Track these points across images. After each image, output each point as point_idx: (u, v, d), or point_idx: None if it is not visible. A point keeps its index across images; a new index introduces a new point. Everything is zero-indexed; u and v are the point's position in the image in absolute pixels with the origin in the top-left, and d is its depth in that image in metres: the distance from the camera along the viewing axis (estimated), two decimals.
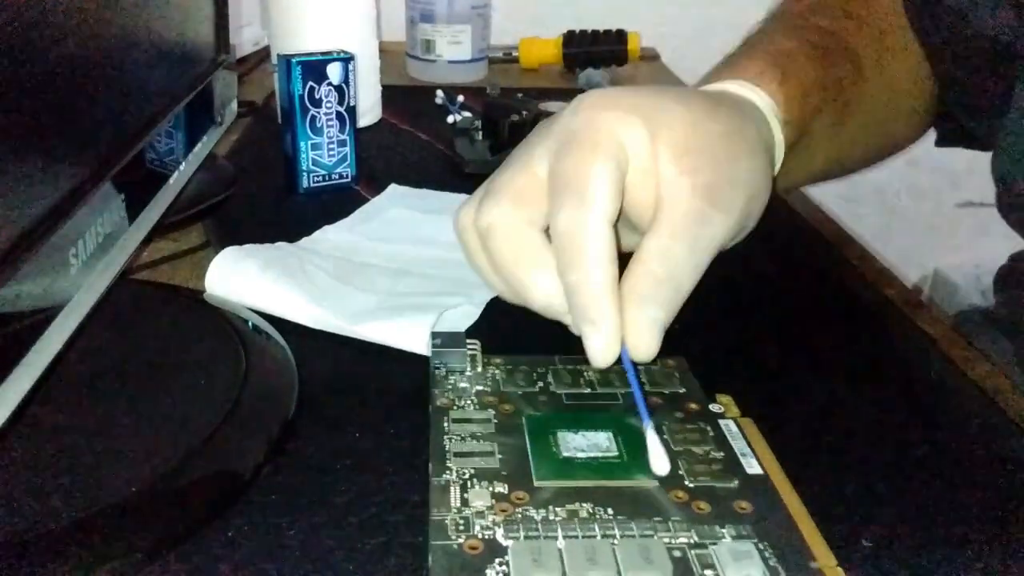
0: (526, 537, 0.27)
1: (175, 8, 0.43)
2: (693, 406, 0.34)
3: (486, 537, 0.27)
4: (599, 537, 0.28)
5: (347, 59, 0.57)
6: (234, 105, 0.55)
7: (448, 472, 0.30)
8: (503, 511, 0.29)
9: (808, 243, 0.56)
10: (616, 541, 0.27)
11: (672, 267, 0.32)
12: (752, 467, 0.31)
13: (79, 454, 0.31)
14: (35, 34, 0.27)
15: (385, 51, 0.77)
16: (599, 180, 0.32)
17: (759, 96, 0.43)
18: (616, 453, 0.31)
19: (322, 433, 0.34)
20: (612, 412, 0.33)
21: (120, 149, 0.35)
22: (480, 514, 0.28)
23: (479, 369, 0.36)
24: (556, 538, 0.27)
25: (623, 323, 0.32)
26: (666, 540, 0.27)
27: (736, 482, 0.30)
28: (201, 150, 0.47)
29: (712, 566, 0.27)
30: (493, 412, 0.34)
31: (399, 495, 0.31)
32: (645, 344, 0.32)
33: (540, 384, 0.36)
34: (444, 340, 0.37)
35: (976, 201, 1.21)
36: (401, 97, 0.81)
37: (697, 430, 0.33)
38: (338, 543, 0.29)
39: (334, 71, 0.56)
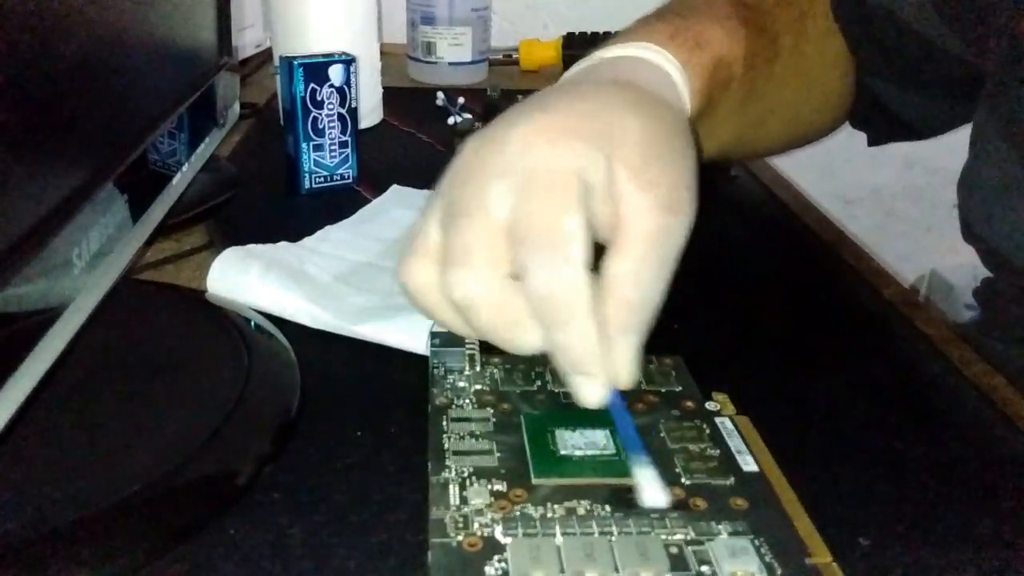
0: (525, 534, 0.28)
1: (178, 10, 0.44)
2: (689, 404, 0.35)
3: (485, 535, 0.28)
4: (596, 534, 0.28)
5: (349, 61, 0.57)
6: (236, 107, 0.56)
7: (447, 470, 0.30)
8: (502, 508, 0.29)
9: (805, 244, 0.56)
10: (613, 538, 0.28)
11: (645, 290, 0.32)
12: (748, 464, 0.31)
13: (82, 453, 0.32)
14: (39, 36, 0.28)
15: (386, 53, 0.77)
16: (574, 232, 0.30)
17: (671, 63, 0.41)
18: (613, 451, 0.32)
19: (323, 432, 0.35)
20: (609, 410, 0.33)
21: (123, 150, 0.35)
22: (479, 512, 0.29)
23: (478, 368, 0.37)
24: (554, 535, 0.28)
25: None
26: (663, 537, 0.28)
27: (732, 479, 0.30)
28: (204, 151, 0.47)
29: (708, 562, 0.27)
30: (491, 411, 0.34)
31: (399, 494, 0.32)
32: (629, 372, 0.32)
33: (538, 383, 0.36)
34: (443, 339, 0.37)
35: None
36: (402, 99, 0.81)
37: (693, 428, 0.33)
38: (339, 542, 0.29)
39: (336, 73, 0.57)
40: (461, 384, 0.36)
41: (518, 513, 0.29)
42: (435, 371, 0.36)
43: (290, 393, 0.36)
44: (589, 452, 0.31)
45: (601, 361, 0.31)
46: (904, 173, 1.23)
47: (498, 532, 0.28)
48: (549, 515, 0.29)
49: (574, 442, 0.32)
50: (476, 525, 0.28)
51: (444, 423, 0.33)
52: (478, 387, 0.35)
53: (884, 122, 0.58)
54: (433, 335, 0.38)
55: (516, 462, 0.31)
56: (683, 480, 0.30)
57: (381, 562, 0.29)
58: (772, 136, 0.55)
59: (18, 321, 0.26)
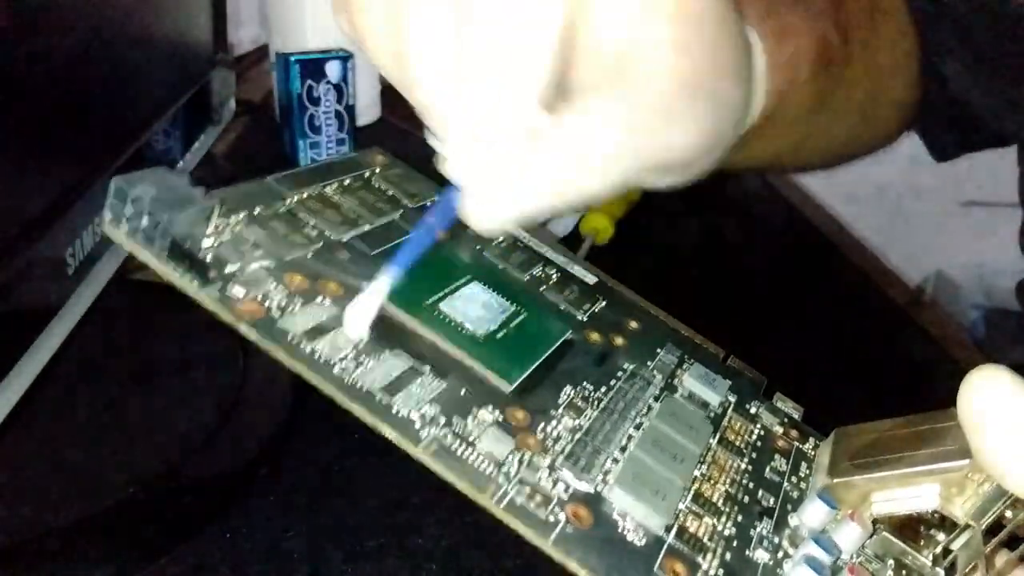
0: (600, 468, 0.20)
1: (173, 7, 0.43)
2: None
3: (567, 493, 0.19)
4: (629, 421, 0.22)
5: (346, 57, 0.56)
6: (232, 104, 0.55)
7: (424, 426, 0.20)
8: (529, 447, 0.20)
9: (810, 243, 0.56)
10: (644, 418, 0.23)
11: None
12: (586, 275, 0.28)
13: (77, 455, 0.31)
14: (33, 33, 0.27)
15: None
16: None
17: (756, 51, 0.33)
18: (514, 305, 0.24)
19: (321, 434, 0.34)
20: (447, 250, 0.25)
21: (117, 147, 0.35)
22: (527, 465, 0.19)
23: (228, 237, 0.22)
24: (612, 444, 0.21)
25: None
26: (654, 390, 0.24)
27: (603, 301, 0.27)
28: (199, 149, 0.47)
29: (707, 403, 0.26)
30: (326, 300, 0.21)
31: (398, 497, 0.31)
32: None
33: (311, 231, 0.23)
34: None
35: (979, 201, 1.21)
36: (400, 95, 0.80)
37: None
38: (336, 546, 0.29)
39: (333, 69, 0.56)
40: (238, 268, 0.21)
41: (552, 443, 0.20)
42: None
43: (286, 394, 0.36)
44: (501, 319, 0.23)
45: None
46: (910, 172, 1.22)
47: (571, 479, 0.20)
48: (570, 423, 0.21)
49: (473, 314, 0.23)
50: (548, 485, 0.19)
51: (301, 348, 0.20)
52: (265, 263, 0.21)
53: (955, 124, 0.50)
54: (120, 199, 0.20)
55: (456, 370, 0.21)
56: (579, 317, 0.26)
57: (379, 566, 0.28)
58: (829, 148, 0.48)
59: (12, 320, 0.26)
